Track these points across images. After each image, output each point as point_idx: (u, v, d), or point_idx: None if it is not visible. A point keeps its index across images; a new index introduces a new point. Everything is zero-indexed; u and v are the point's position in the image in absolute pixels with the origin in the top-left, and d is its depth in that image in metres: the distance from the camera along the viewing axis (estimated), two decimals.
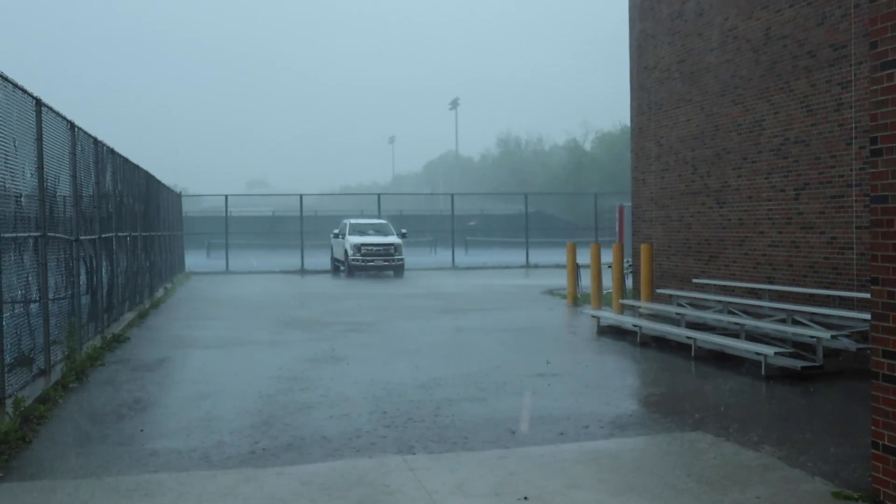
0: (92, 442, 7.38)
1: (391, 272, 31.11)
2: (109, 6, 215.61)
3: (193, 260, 36.46)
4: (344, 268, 31.18)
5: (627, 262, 19.76)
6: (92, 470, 6.49)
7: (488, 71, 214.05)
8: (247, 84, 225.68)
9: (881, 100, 5.31)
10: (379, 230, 32.34)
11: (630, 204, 19.93)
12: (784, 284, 13.90)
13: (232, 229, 37.61)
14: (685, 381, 10.25)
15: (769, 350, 10.36)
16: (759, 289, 14.26)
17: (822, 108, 13.14)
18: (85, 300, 12.18)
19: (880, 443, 5.34)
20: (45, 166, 9.64)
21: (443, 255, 42.13)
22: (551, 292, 22.40)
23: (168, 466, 6.56)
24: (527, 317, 17.03)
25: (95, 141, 13.29)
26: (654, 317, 15.17)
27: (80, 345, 11.13)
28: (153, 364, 11.62)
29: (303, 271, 33.71)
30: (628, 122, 19.62)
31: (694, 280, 16.28)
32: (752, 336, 12.29)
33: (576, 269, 19.61)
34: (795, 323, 12.34)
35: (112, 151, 15.05)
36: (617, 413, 8.31)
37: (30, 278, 9.14)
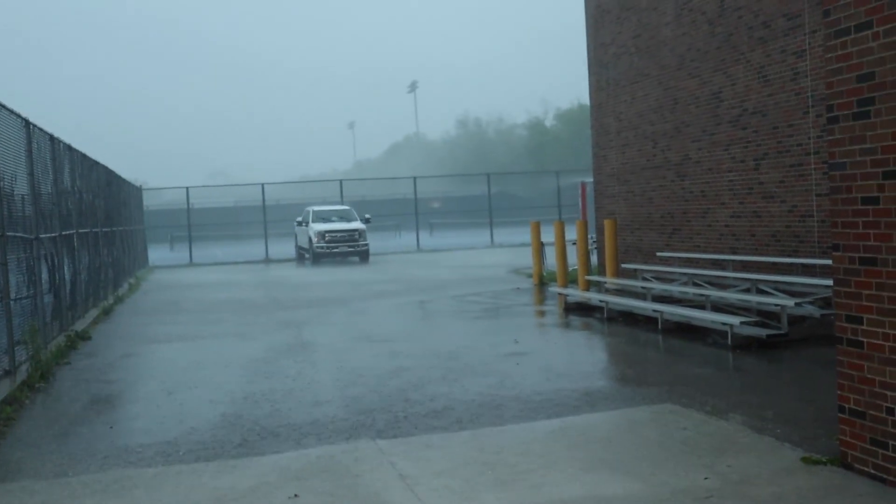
0: (62, 441, 7.30)
1: (356, 258, 31.04)
2: None
3: (157, 254, 36.13)
4: (309, 255, 31.03)
5: (592, 238, 19.86)
6: (63, 469, 6.42)
7: (446, 53, 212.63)
8: (204, 75, 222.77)
9: (836, 67, 5.37)
10: (342, 216, 32.23)
11: (592, 181, 20.01)
12: (747, 254, 14.05)
13: (194, 221, 37.22)
14: (653, 354, 10.34)
15: (735, 320, 10.48)
16: (723, 260, 14.40)
17: (778, 78, 13.26)
18: (48, 298, 12.01)
19: (846, 406, 5.43)
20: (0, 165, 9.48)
21: (407, 239, 42.10)
22: (517, 271, 22.48)
23: (140, 462, 6.51)
24: (493, 297, 17.08)
25: (52, 138, 13.07)
26: (621, 292, 15.28)
27: (45, 344, 10.98)
28: (120, 360, 11.51)
29: (267, 260, 33.51)
30: (588, 100, 19.66)
31: (658, 254, 16.41)
32: (718, 307, 12.42)
33: (540, 248, 19.68)
34: (760, 292, 12.49)
35: (70, 148, 14.82)
36: (586, 389, 8.37)
37: None
